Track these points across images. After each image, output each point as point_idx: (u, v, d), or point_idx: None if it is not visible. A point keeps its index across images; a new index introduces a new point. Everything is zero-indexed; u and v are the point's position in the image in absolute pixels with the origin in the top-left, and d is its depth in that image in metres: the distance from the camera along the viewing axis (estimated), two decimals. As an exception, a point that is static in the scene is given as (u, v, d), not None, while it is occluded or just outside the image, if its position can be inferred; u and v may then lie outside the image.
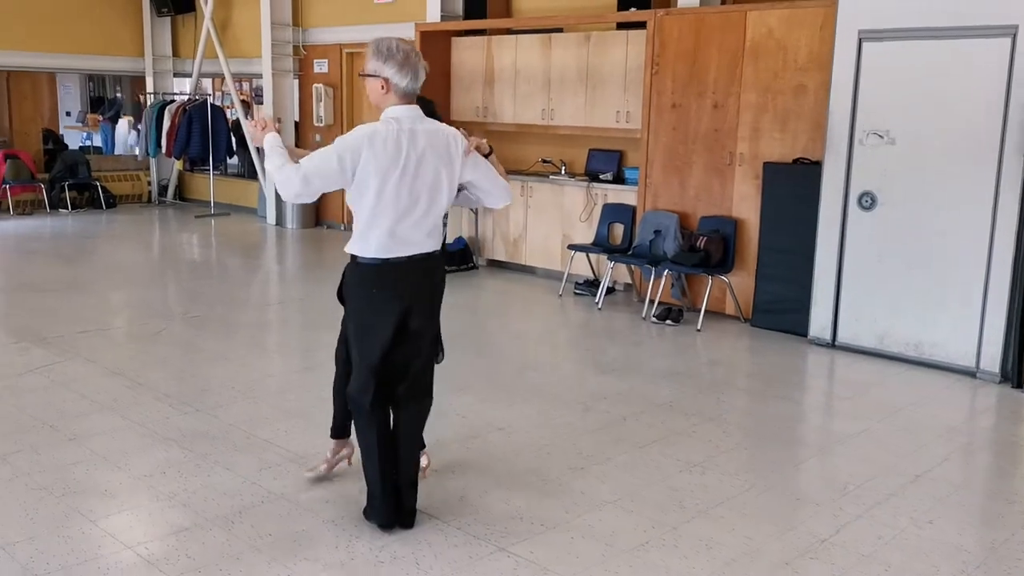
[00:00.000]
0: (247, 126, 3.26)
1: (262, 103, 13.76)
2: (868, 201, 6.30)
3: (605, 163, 8.79)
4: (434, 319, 3.65)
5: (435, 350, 3.78)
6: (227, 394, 5.26)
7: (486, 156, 3.59)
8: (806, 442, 4.77)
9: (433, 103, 4.15)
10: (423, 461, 3.97)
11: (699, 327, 7.05)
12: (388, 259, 3.41)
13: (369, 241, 3.39)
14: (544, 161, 9.23)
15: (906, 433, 4.92)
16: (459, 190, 3.58)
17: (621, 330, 7.09)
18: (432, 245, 3.51)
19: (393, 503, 3.62)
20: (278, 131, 3.50)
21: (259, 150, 3.50)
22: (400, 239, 3.39)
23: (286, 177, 3.29)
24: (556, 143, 9.26)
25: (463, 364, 5.93)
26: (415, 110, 3.40)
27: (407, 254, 3.42)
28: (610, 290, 8.06)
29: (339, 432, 4.06)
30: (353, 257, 3.49)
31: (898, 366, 6.15)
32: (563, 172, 9.02)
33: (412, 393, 3.66)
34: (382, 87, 3.36)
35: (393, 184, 3.32)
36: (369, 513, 3.69)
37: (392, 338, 3.48)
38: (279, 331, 7.02)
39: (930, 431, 4.95)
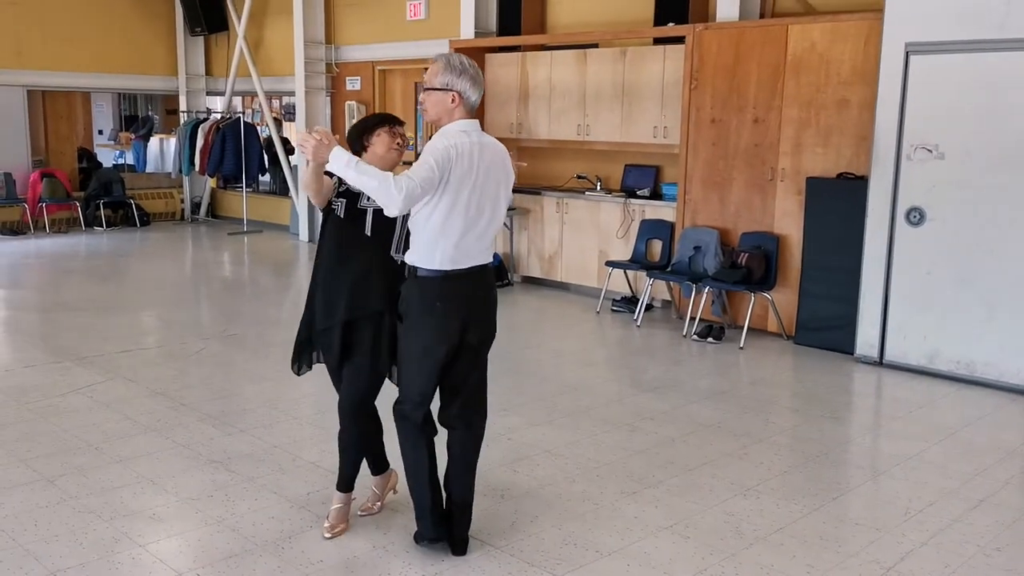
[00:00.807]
0: (301, 138, 3.40)
1: (293, 120, 13.88)
2: (916, 216, 6.19)
3: (642, 179, 8.71)
4: (491, 332, 3.60)
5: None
6: (270, 414, 5.22)
7: None
8: (860, 464, 4.65)
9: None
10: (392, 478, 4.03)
11: (741, 345, 6.94)
12: (450, 271, 3.39)
13: (435, 253, 3.37)
14: (579, 177, 9.16)
15: (964, 455, 4.79)
16: None
17: (662, 348, 7.00)
18: (488, 258, 3.53)
19: (441, 518, 3.60)
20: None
21: (308, 163, 3.43)
22: (464, 251, 3.40)
23: (393, 194, 3.16)
24: (591, 159, 9.20)
25: (505, 384, 5.86)
26: (476, 124, 3.44)
27: (467, 266, 3.42)
28: (648, 307, 7.97)
29: (347, 485, 3.84)
30: (413, 270, 3.44)
31: (948, 385, 6.01)
32: (599, 188, 8.95)
33: (466, 412, 3.61)
34: (452, 100, 3.36)
35: (466, 196, 3.34)
36: (420, 535, 3.63)
37: (452, 351, 3.45)
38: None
39: (989, 453, 4.82)
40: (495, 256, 9.26)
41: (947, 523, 3.95)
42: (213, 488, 4.18)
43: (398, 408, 3.58)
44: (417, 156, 3.73)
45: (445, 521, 3.59)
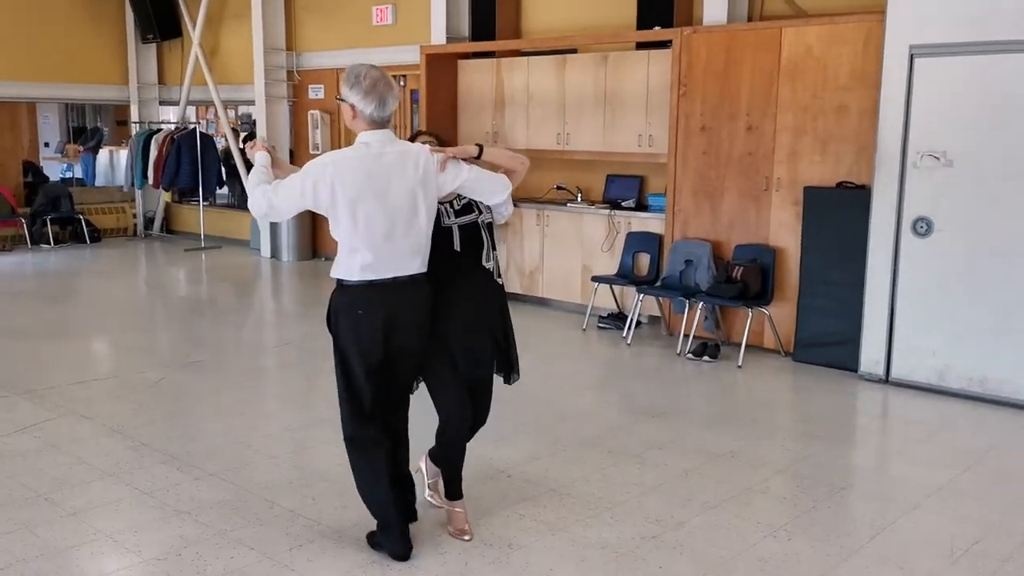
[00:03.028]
0: (251, 149, 3.68)
1: (248, 131, 13.33)
2: (923, 227, 5.89)
3: (625, 189, 8.35)
4: (422, 339, 3.56)
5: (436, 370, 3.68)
6: (242, 454, 4.73)
7: (477, 158, 3.61)
8: (891, 497, 4.29)
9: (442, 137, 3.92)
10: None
11: (740, 363, 6.58)
12: (373, 280, 3.43)
13: (353, 265, 3.43)
14: (559, 188, 8.77)
15: (997, 483, 4.47)
16: (478, 208, 3.66)
17: (657, 368, 6.62)
18: (418, 267, 3.50)
19: (405, 532, 3.62)
20: (269, 151, 3.64)
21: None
22: (384, 261, 3.41)
23: (255, 199, 3.44)
24: (571, 169, 8.81)
25: (496, 411, 5.38)
26: (386, 134, 3.45)
27: (392, 275, 3.43)
28: (635, 323, 7.59)
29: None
30: (339, 282, 3.51)
31: (961, 404, 5.71)
32: (579, 199, 8.58)
33: (399, 422, 3.69)
34: (350, 113, 3.44)
35: (367, 209, 3.36)
36: (382, 543, 3.64)
37: (381, 360, 3.48)
38: (289, 378, 6.47)
39: (1022, 480, 4.50)
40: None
41: (997, 564, 3.61)
42: (181, 545, 3.69)
43: (344, 431, 3.62)
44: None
45: (408, 537, 3.62)
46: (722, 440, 5.02)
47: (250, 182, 3.51)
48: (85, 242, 12.64)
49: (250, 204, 3.47)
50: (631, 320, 7.37)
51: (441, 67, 9.21)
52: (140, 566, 3.52)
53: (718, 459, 4.73)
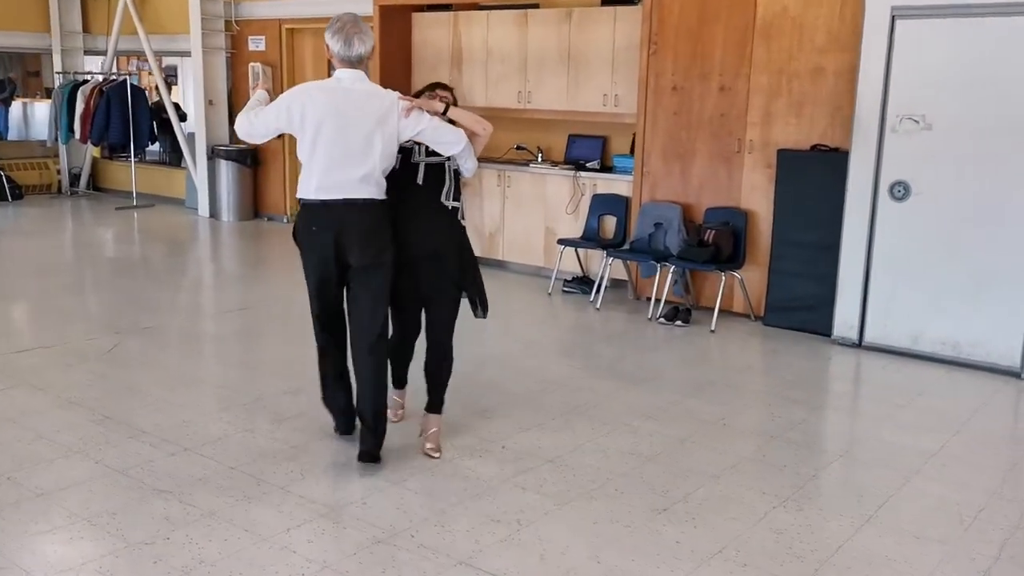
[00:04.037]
0: (254, 88, 4.22)
1: (176, 83, 12.71)
2: (901, 191, 5.87)
3: (588, 150, 8.18)
4: (377, 257, 3.89)
5: (382, 302, 4.00)
6: (216, 426, 4.46)
7: (444, 113, 3.93)
8: (888, 464, 4.26)
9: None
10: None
11: (713, 328, 6.52)
12: (326, 200, 3.83)
13: (310, 183, 3.84)
14: (519, 148, 8.56)
15: (987, 448, 4.50)
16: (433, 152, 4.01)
17: (630, 333, 6.51)
18: (369, 193, 3.85)
19: (345, 407, 4.21)
20: (267, 90, 4.20)
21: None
22: (335, 183, 3.80)
23: (240, 120, 3.99)
24: (532, 129, 8.60)
25: (477, 381, 5.26)
26: (357, 74, 3.88)
27: (343, 197, 3.80)
28: (597, 286, 7.47)
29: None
30: (300, 200, 3.93)
31: (935, 368, 5.75)
32: (540, 159, 8.38)
33: (362, 339, 3.97)
34: (328, 52, 3.90)
35: (328, 132, 3.78)
36: (335, 420, 4.31)
37: (335, 275, 3.93)
38: (251, 343, 6.15)
39: (1010, 444, 4.56)
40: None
41: (1009, 531, 3.60)
42: (168, 527, 3.43)
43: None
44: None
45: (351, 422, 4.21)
46: (710, 407, 4.94)
47: (244, 108, 4.05)
48: (7, 199, 11.95)
49: (236, 125, 4.03)
50: (601, 285, 7.24)
51: (394, 20, 8.86)
52: (127, 552, 3.26)
53: (710, 427, 4.65)
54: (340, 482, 3.88)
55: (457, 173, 4.08)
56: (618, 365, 5.73)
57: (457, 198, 4.08)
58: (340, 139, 3.78)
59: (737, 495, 3.86)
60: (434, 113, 3.91)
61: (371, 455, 3.96)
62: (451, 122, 3.97)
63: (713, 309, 6.77)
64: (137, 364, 5.45)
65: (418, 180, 4.01)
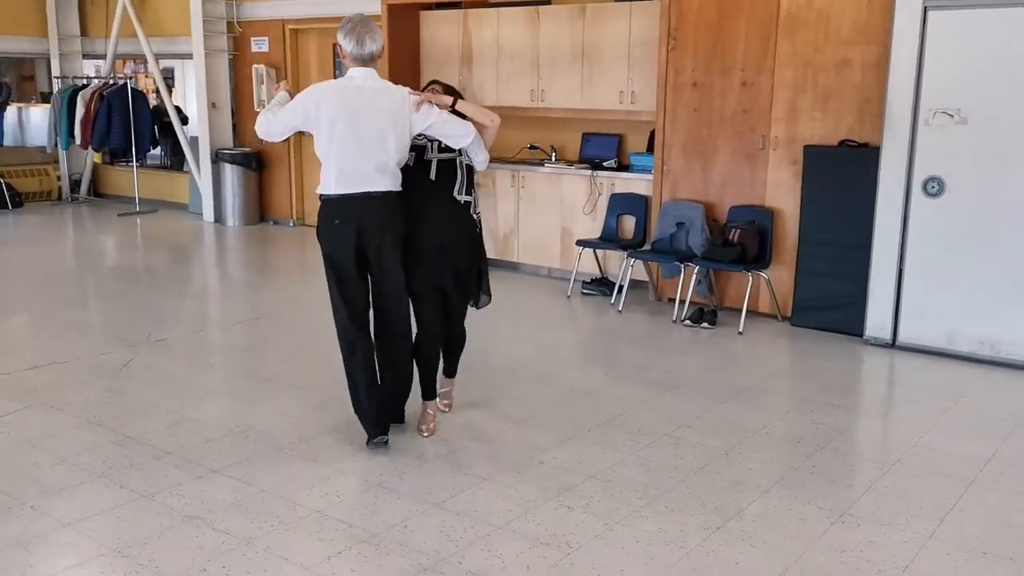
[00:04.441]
0: (275, 89, 4.33)
1: (173, 86, 12.50)
2: (935, 187, 5.72)
3: (603, 149, 8.03)
4: (395, 248, 4.08)
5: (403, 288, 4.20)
6: (242, 444, 4.30)
7: (452, 107, 4.11)
8: (943, 472, 4.11)
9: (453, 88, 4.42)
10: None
11: (740, 330, 6.37)
12: (344, 194, 4.00)
13: (330, 179, 4.01)
14: (531, 147, 8.40)
15: (1041, 454, 4.35)
16: (446, 148, 4.20)
17: (656, 337, 6.35)
18: (387, 185, 4.03)
19: (376, 416, 4.17)
20: (288, 91, 4.27)
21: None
22: (352, 177, 3.98)
23: (259, 120, 4.13)
24: (544, 127, 8.44)
25: (506, 389, 5.10)
26: (369, 72, 4.05)
27: (362, 190, 3.98)
28: (618, 288, 7.31)
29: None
30: (321, 196, 4.09)
31: (973, 368, 5.61)
32: (554, 159, 8.23)
33: (387, 328, 4.19)
34: (342, 53, 4.08)
35: (342, 129, 3.96)
36: (366, 428, 4.21)
37: (356, 268, 4.06)
38: (269, 355, 5.96)
39: (1064, 449, 4.40)
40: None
41: (1077, 544, 3.46)
42: (204, 558, 3.28)
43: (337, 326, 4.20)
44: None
45: (381, 420, 4.20)
46: (749, 415, 4.79)
47: (264, 109, 4.19)
48: (7, 207, 11.74)
49: (256, 124, 4.16)
50: (624, 287, 7.07)
51: (402, 18, 8.68)
52: (162, 586, 3.10)
53: (752, 436, 4.50)
54: (379, 504, 3.72)
55: (470, 168, 4.25)
56: (648, 371, 5.57)
57: (470, 192, 4.25)
58: (354, 135, 3.96)
59: (792, 510, 3.71)
60: (443, 107, 4.09)
61: (383, 432, 4.21)
62: (461, 115, 4.15)
63: (737, 310, 6.64)
64: (154, 379, 5.28)
65: (431, 176, 4.18)
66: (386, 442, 4.20)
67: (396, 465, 4.08)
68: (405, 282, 4.16)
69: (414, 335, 4.34)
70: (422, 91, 4.22)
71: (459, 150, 4.21)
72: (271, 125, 4.10)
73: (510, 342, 6.15)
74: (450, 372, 4.66)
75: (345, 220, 4.01)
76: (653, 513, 3.67)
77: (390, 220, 4.05)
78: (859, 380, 5.57)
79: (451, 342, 4.52)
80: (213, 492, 3.80)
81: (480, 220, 4.37)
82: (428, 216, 4.16)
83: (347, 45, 4.01)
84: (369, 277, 4.15)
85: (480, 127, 4.16)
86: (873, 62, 6.03)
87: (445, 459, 4.15)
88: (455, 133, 4.12)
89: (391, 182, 4.04)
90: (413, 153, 4.16)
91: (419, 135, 4.14)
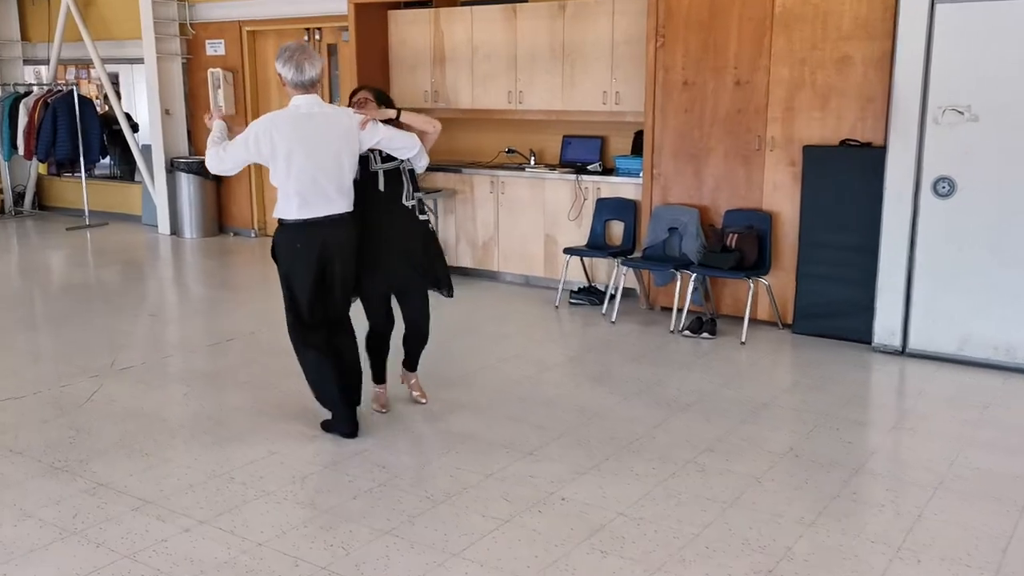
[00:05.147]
0: (208, 120, 4.41)
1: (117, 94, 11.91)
2: (945, 187, 5.49)
3: (585, 152, 7.71)
4: (351, 265, 4.34)
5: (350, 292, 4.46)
6: (228, 490, 3.88)
7: (396, 120, 4.34)
8: (994, 496, 3.81)
9: (383, 92, 4.66)
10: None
11: (743, 340, 6.10)
12: (309, 219, 4.17)
13: (291, 206, 4.16)
14: (509, 151, 8.05)
15: (1085, 469, 4.11)
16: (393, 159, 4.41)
17: (657, 349, 6.04)
18: (345, 207, 4.24)
19: (351, 414, 4.40)
20: (222, 118, 4.40)
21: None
22: (315, 202, 4.15)
23: (209, 155, 4.26)
24: (521, 130, 8.11)
25: (508, 412, 4.75)
26: (313, 98, 4.19)
27: (324, 214, 4.17)
28: (609, 297, 7.00)
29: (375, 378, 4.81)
30: (280, 221, 4.23)
31: (989, 375, 5.39)
32: (533, 163, 7.89)
33: (342, 328, 4.43)
34: (282, 81, 4.21)
35: (300, 159, 4.10)
36: (330, 426, 4.44)
37: (315, 284, 4.24)
38: (248, 382, 5.41)
39: (1107, 464, 4.17)
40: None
41: None
42: (202, 632, 2.87)
43: (290, 333, 4.41)
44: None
45: (355, 417, 4.44)
46: (772, 435, 4.50)
47: (209, 142, 4.28)
48: (-55, 223, 11.06)
49: (207, 161, 4.27)
50: (616, 296, 6.76)
51: (371, 19, 8.27)
52: (156, 671, 2.69)
53: (782, 460, 4.20)
54: (392, 557, 3.34)
55: (412, 172, 4.48)
56: (655, 388, 5.25)
57: (414, 195, 4.47)
58: (312, 162, 4.11)
59: (844, 546, 3.41)
60: (387, 120, 4.30)
61: (353, 431, 4.41)
62: (403, 125, 4.40)
63: (734, 317, 6.41)
64: (122, 414, 4.82)
65: (380, 187, 4.38)
66: (356, 424, 4.43)
67: (404, 508, 3.71)
68: (355, 286, 4.44)
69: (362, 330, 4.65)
70: (350, 99, 4.48)
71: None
72: (223, 162, 4.22)
73: (503, 358, 5.79)
74: (413, 367, 4.89)
75: (308, 243, 4.18)
76: (695, 556, 3.34)
77: (349, 238, 4.27)
78: (876, 392, 5.32)
79: (414, 343, 4.77)
80: (204, 549, 3.38)
81: (430, 216, 4.67)
82: (383, 225, 4.38)
83: (287, 73, 4.13)
84: (331, 283, 4.34)
85: (422, 134, 4.40)
86: (876, 58, 5.79)
87: (457, 500, 3.78)
88: (402, 146, 4.34)
89: (347, 203, 4.25)
90: (358, 167, 4.33)
91: None
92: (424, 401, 4.86)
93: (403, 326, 4.73)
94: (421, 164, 4.48)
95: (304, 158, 4.09)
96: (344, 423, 4.37)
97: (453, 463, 4.15)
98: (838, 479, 4.00)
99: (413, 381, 4.92)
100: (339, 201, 4.19)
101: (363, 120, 4.21)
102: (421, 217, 4.51)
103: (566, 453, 4.27)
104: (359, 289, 4.50)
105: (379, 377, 4.81)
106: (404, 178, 4.42)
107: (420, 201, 4.53)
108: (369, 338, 4.69)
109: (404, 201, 4.41)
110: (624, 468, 4.10)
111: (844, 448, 4.36)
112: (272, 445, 4.37)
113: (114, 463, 4.16)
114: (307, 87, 4.16)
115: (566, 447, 4.35)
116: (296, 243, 4.19)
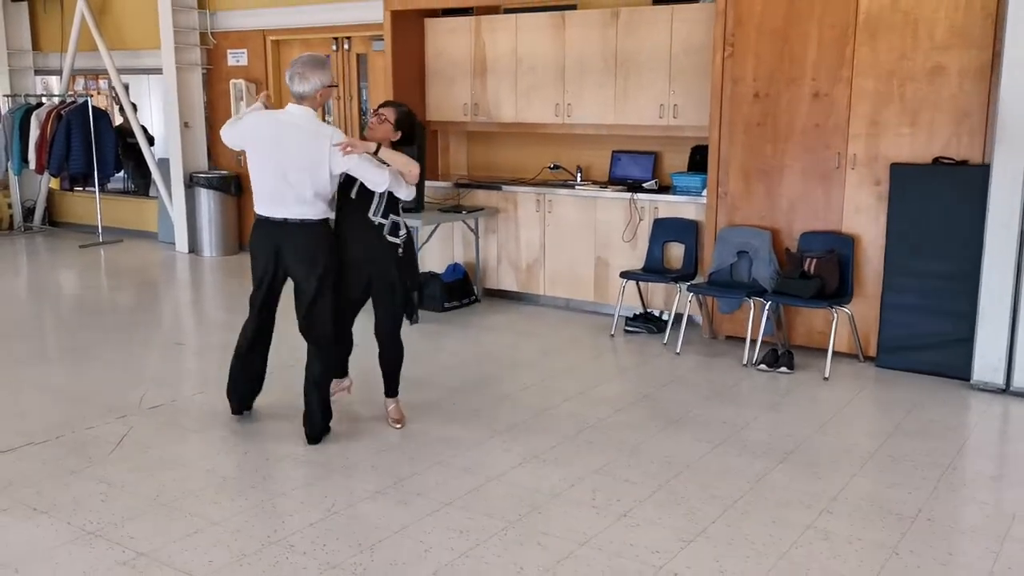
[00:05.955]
0: (257, 97, 4.63)
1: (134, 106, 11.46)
2: (1057, 211, 5.01)
3: (637, 168, 7.25)
4: (311, 268, 4.38)
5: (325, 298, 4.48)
6: (288, 562, 3.37)
7: (375, 153, 4.34)
8: None
9: (408, 111, 4.70)
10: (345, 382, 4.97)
11: (826, 375, 5.59)
12: (267, 217, 4.37)
13: (256, 199, 4.38)
14: (554, 167, 7.58)
15: None
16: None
17: (733, 386, 5.53)
18: (304, 214, 4.32)
19: (238, 406, 4.85)
20: (265, 102, 4.61)
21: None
22: (270, 201, 4.33)
23: (226, 124, 4.51)
24: (567, 145, 7.64)
25: (589, 463, 4.24)
26: (303, 110, 4.34)
27: (280, 216, 4.32)
28: (663, 324, 6.50)
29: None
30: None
31: (1107, 416, 4.89)
32: (580, 179, 7.41)
33: (310, 332, 4.52)
34: None
35: (268, 159, 4.29)
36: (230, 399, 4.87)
37: (269, 279, 4.48)
38: (294, 424, 4.80)
39: None
40: (457, 267, 7.53)
41: None
42: None
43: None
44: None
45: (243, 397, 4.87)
46: (893, 494, 3.99)
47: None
48: (-48, 240, 10.58)
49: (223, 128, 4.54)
50: (681, 324, 6.28)
51: (408, 27, 7.81)
52: None
53: (914, 525, 3.69)
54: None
55: (391, 195, 4.46)
56: (744, 432, 4.74)
57: (387, 215, 4.46)
58: (277, 165, 4.27)
59: (1018, 638, 2.91)
60: (368, 151, 4.33)
61: (317, 437, 4.52)
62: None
63: (808, 348, 5.96)
64: (158, 464, 4.31)
65: (352, 195, 4.46)
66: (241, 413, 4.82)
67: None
68: (329, 295, 4.45)
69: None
70: (374, 113, 4.61)
71: None
72: (231, 128, 4.46)
73: (568, 396, 5.28)
74: (392, 391, 4.81)
75: (266, 238, 4.39)
76: (848, 651, 2.83)
77: (308, 245, 4.35)
78: (988, 438, 4.82)
79: (389, 357, 4.72)
80: (267, 641, 2.88)
81: (405, 243, 4.57)
82: (347, 233, 4.49)
83: (291, 83, 4.34)
84: (296, 289, 4.49)
85: (401, 172, 4.42)
86: (973, 69, 5.32)
87: (559, 568, 3.27)
88: (370, 179, 4.37)
89: (309, 210, 4.32)
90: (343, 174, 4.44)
91: None
92: (399, 426, 4.71)
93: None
94: (402, 194, 4.48)
95: (270, 160, 4.28)
96: (233, 403, 4.82)
97: (540, 528, 3.64)
98: (986, 550, 3.49)
99: (392, 407, 4.79)
100: (298, 208, 4.30)
101: (343, 144, 4.27)
102: (390, 238, 4.49)
103: (665, 515, 3.77)
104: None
105: (390, 391, 4.86)
106: (376, 195, 4.43)
107: (395, 224, 4.51)
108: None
109: (370, 215, 4.44)
110: (737, 535, 3.59)
111: (979, 510, 3.86)
112: (330, 500, 3.86)
113: (155, 525, 3.65)
114: (299, 99, 4.35)
115: (663, 507, 3.84)
116: (257, 236, 4.44)
